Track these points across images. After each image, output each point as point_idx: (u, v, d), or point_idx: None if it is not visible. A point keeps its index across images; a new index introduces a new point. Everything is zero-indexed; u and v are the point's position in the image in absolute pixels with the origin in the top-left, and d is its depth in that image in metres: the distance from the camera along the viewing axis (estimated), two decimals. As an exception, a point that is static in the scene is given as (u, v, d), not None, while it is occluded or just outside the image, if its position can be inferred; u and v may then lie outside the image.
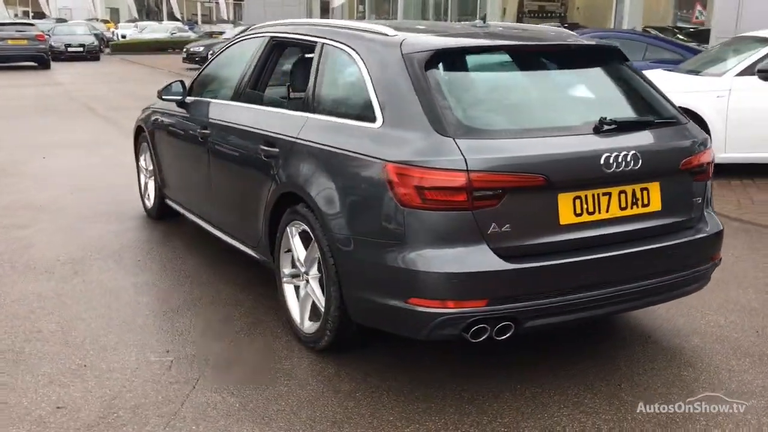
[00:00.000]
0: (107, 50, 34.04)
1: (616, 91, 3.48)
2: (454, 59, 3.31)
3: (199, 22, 57.66)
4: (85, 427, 2.97)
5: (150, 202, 6.07)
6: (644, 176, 3.16)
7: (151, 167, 5.94)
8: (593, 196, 3.07)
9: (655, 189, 3.22)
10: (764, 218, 6.08)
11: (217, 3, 59.24)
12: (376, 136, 3.18)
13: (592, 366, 3.50)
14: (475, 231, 2.91)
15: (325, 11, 29.41)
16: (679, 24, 20.04)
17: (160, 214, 5.94)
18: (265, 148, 3.84)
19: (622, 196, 3.14)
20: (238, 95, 4.40)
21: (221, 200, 4.54)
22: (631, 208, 3.17)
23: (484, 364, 3.50)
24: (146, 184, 6.13)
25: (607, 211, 3.11)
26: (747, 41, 8.32)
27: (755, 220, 6.03)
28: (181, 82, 5.13)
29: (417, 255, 2.95)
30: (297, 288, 3.79)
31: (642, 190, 3.19)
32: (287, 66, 4.40)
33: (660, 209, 3.24)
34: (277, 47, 4.34)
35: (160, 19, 55.71)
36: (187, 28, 42.49)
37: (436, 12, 22.59)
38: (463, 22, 4.37)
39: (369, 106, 3.29)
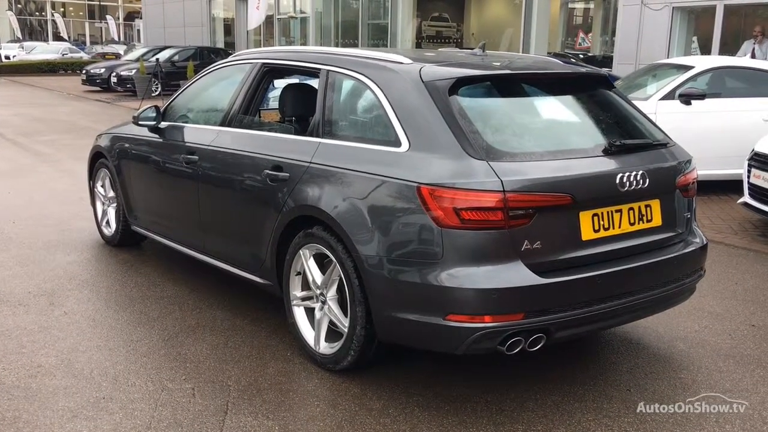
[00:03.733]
0: (-8, 71, 32.39)
1: (612, 115, 3.75)
2: (473, 86, 3.48)
3: (88, 43, 55.70)
4: (129, 459, 2.92)
5: (110, 230, 5.91)
6: (649, 194, 3.43)
7: (111, 194, 5.81)
8: (608, 213, 3.32)
9: (656, 205, 3.50)
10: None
11: (107, 24, 57.42)
12: (404, 159, 3.31)
13: (599, 373, 3.73)
14: (510, 248, 3.09)
15: (228, 33, 29.14)
16: (566, 51, 21.19)
17: (122, 242, 5.81)
18: (272, 172, 3.88)
19: (631, 212, 3.40)
20: (229, 121, 4.42)
21: (213, 226, 4.52)
22: (638, 223, 3.43)
23: (499, 376, 3.66)
24: (105, 211, 5.97)
25: (619, 226, 3.36)
26: (665, 68, 8.99)
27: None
28: (155, 107, 5.07)
29: (455, 273, 3.09)
30: (309, 310, 3.84)
31: (646, 206, 3.46)
32: (280, 92, 4.45)
33: (660, 224, 3.52)
34: (269, 73, 4.40)
35: (44, 39, 53.48)
36: (78, 48, 41.04)
37: (344, 36, 22.89)
38: (462, 51, 4.56)
39: (392, 131, 3.42)
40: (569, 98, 3.78)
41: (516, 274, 3.08)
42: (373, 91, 3.60)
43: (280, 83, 4.70)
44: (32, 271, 5.26)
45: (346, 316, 3.53)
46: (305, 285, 3.84)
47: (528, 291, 3.08)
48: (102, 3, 64.13)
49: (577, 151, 3.37)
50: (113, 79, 22.18)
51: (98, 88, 23.28)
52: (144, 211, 5.37)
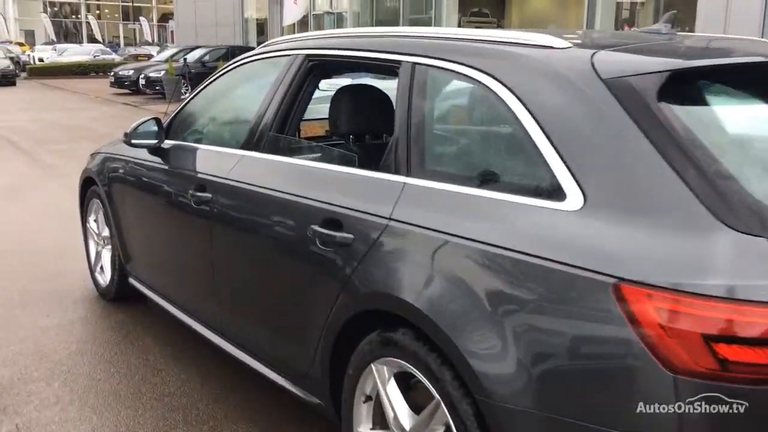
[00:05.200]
0: (24, 74, 31.70)
1: None
2: (698, 88, 1.92)
3: (122, 45, 55.21)
4: None
5: (105, 279, 4.47)
6: None
7: (106, 233, 4.36)
8: None
9: None
10: None
11: (141, 25, 56.84)
12: (575, 225, 1.76)
13: None
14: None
15: (261, 32, 27.80)
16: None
17: (119, 295, 4.35)
18: (324, 231, 2.37)
19: None
20: (256, 141, 2.92)
21: (233, 299, 3.03)
22: None
23: None
24: (99, 253, 4.53)
25: None
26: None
27: None
28: (156, 119, 3.60)
29: (699, 465, 1.54)
30: (386, 461, 2.32)
31: None
32: (331, 98, 2.93)
33: None
34: (317, 70, 2.88)
35: (79, 41, 53.04)
36: (110, 50, 40.24)
37: (378, 13, 21.33)
38: (635, 30, 2.97)
39: (544, 170, 1.87)
40: None
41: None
42: (501, 98, 2.05)
43: (331, 84, 3.19)
44: (-8, 345, 3.83)
45: (458, 494, 2.00)
46: (380, 420, 2.31)
47: None
48: (136, 4, 63.73)
49: None
50: (141, 81, 20.99)
51: (127, 91, 22.18)
52: (140, 259, 3.91)
